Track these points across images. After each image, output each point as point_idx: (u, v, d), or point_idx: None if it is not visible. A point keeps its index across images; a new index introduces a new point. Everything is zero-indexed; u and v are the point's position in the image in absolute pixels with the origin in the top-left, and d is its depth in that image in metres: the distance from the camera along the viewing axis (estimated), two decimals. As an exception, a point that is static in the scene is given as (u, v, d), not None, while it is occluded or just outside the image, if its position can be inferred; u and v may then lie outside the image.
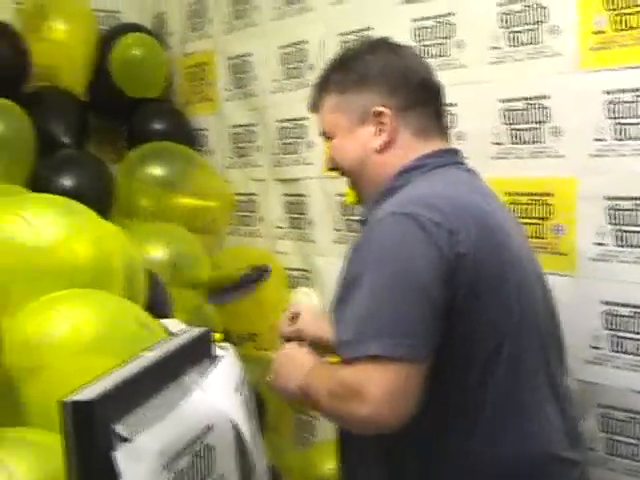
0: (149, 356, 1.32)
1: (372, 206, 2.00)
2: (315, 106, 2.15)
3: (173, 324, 1.91)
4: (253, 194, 3.84)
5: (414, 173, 1.99)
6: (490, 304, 1.84)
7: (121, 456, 1.09)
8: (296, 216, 3.58)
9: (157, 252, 3.28)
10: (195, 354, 1.49)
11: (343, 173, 2.13)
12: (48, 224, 1.89)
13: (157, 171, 3.78)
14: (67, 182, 3.53)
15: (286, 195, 3.64)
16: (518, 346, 1.87)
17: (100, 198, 3.49)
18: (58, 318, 1.69)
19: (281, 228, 3.68)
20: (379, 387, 1.71)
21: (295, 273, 3.61)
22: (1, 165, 3.43)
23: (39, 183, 3.45)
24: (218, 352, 1.61)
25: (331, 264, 3.33)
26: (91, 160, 3.82)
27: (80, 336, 1.67)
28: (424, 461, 1.88)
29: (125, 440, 1.12)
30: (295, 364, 2.04)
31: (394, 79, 2.03)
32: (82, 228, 1.96)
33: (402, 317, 1.75)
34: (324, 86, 2.12)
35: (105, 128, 4.26)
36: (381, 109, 2.00)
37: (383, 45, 2.14)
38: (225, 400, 1.43)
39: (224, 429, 1.38)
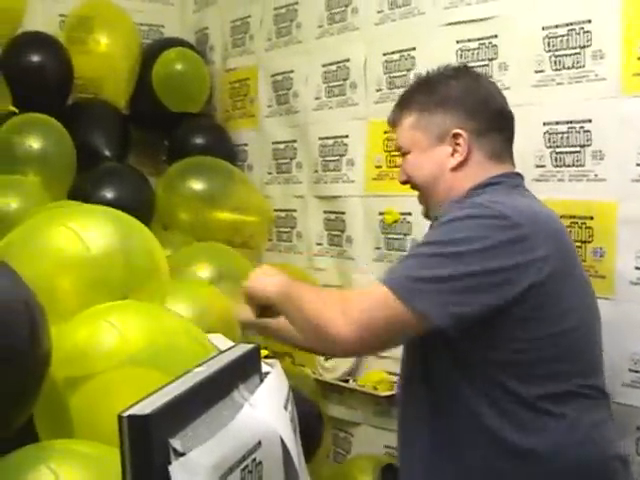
0: (201, 371, 1.34)
1: (441, 214, 2.11)
2: (395, 121, 2.27)
3: (220, 340, 1.94)
4: (292, 210, 3.87)
5: (487, 189, 2.11)
6: (554, 310, 1.95)
7: (176, 470, 1.12)
8: (335, 233, 3.59)
9: (202, 271, 3.27)
10: (244, 370, 1.50)
11: (414, 187, 2.25)
12: (97, 236, 1.92)
13: (197, 185, 3.82)
14: (108, 194, 3.57)
15: (326, 212, 3.65)
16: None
17: (141, 211, 3.51)
18: (107, 328, 1.72)
19: (320, 245, 3.69)
20: (365, 304, 1.95)
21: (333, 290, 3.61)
22: (43, 180, 3.46)
23: (80, 196, 3.48)
24: (265, 368, 1.63)
25: (370, 282, 3.35)
26: (132, 173, 3.85)
27: (129, 347, 1.70)
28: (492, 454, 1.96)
29: (180, 454, 1.14)
30: (274, 274, 2.17)
31: (473, 104, 2.16)
32: (131, 239, 1.99)
33: (442, 277, 1.89)
34: (406, 104, 2.24)
35: (146, 141, 4.31)
36: (458, 131, 2.13)
37: (465, 72, 2.29)
38: (273, 416, 1.45)
39: (273, 445, 1.40)
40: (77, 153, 3.77)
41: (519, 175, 2.21)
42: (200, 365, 1.39)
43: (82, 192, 3.56)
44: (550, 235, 1.98)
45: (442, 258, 1.91)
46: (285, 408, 1.54)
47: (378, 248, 3.35)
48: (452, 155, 2.14)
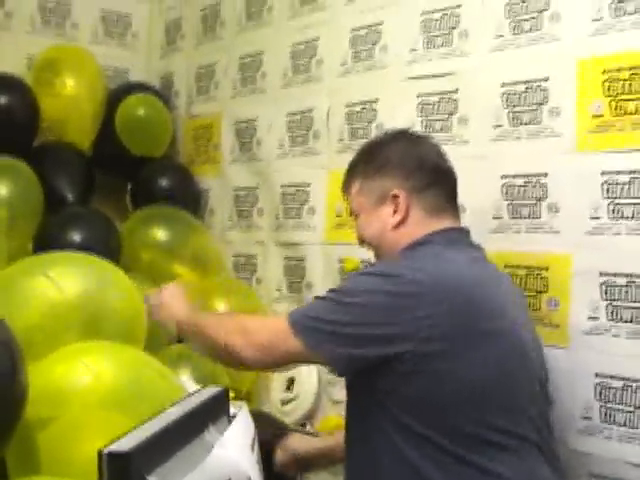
0: (174, 411, 1.39)
1: None
2: (345, 189, 2.50)
3: (188, 383, 1.99)
4: (253, 256, 3.91)
5: (418, 248, 2.26)
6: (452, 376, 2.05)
7: (153, 506, 1.16)
8: (295, 279, 3.64)
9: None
10: (214, 411, 1.56)
11: (367, 246, 2.44)
12: (73, 281, 1.96)
13: (158, 233, 3.87)
14: (75, 238, 3.58)
15: (286, 258, 3.70)
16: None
17: (108, 254, 3.54)
18: (82, 369, 1.75)
19: (279, 290, 3.73)
20: (268, 339, 2.18)
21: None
22: (11, 223, 3.48)
23: (47, 239, 3.52)
24: (232, 410, 1.68)
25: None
26: (98, 217, 3.87)
27: (101, 389, 1.74)
28: None
29: (157, 491, 1.18)
30: (180, 298, 2.55)
31: (409, 165, 2.36)
32: (106, 283, 2.03)
33: (332, 320, 2.10)
34: (352, 173, 2.47)
35: (109, 184, 4.33)
36: (396, 192, 2.31)
37: (403, 135, 2.49)
38: (242, 456, 1.50)
39: (241, 484, 1.45)
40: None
41: (460, 229, 2.37)
42: (172, 405, 1.44)
43: (48, 235, 3.59)
44: (454, 294, 2.07)
45: (337, 305, 2.12)
46: (252, 449, 1.59)
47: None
48: (393, 215, 2.32)
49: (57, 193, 3.84)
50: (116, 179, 4.37)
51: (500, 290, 2.27)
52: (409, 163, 2.36)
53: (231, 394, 1.76)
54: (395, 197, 2.31)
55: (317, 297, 2.24)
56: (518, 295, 2.44)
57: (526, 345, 2.21)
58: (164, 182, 4.20)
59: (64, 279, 1.97)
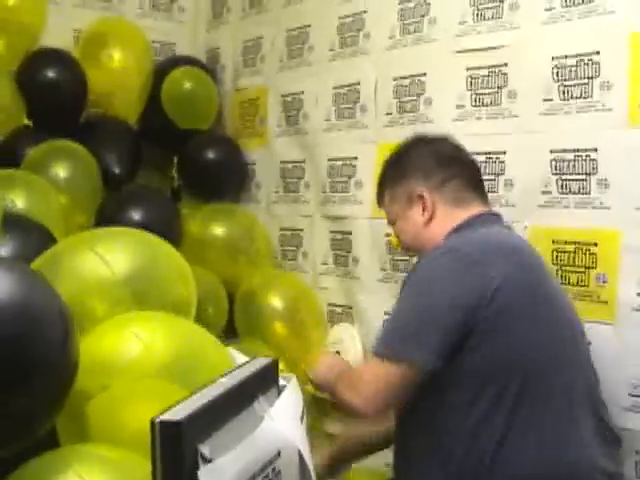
0: (225, 381, 1.40)
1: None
2: (379, 202, 2.68)
3: (236, 354, 1.99)
4: (299, 229, 3.91)
5: (457, 234, 2.40)
6: (518, 333, 2.19)
7: (205, 476, 1.17)
8: (341, 253, 3.64)
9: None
10: (264, 382, 1.56)
11: (411, 251, 2.65)
12: (121, 258, 1.97)
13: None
14: (136, 217, 3.61)
15: (332, 232, 3.69)
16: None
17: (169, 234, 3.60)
18: (132, 339, 1.76)
19: (326, 264, 3.74)
20: (372, 378, 2.28)
21: (338, 309, 3.66)
22: (72, 208, 3.49)
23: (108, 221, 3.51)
24: (282, 382, 1.69)
25: (375, 302, 3.41)
26: (157, 196, 3.93)
27: (153, 359, 1.75)
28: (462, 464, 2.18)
29: (208, 461, 1.19)
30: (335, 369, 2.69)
31: (427, 164, 2.51)
32: (156, 258, 2.04)
33: (414, 332, 2.22)
34: (381, 185, 2.65)
35: (156, 157, 4.35)
36: (420, 192, 2.47)
37: (418, 140, 2.62)
38: (291, 428, 1.51)
39: (291, 455, 1.45)
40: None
41: (490, 213, 2.51)
42: (224, 376, 1.45)
43: (109, 217, 3.61)
44: (512, 255, 2.28)
45: (405, 307, 2.31)
46: (301, 420, 1.60)
47: (384, 269, 3.39)
48: (422, 213, 2.46)
49: (105, 167, 3.85)
50: (163, 152, 4.39)
51: (541, 259, 2.41)
52: (427, 162, 2.51)
53: (281, 366, 1.77)
54: (420, 197, 2.47)
55: (390, 318, 2.38)
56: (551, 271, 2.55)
57: (570, 307, 2.41)
58: (211, 155, 4.21)
59: (112, 254, 1.97)
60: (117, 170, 3.90)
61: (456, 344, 2.16)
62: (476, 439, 2.14)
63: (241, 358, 1.91)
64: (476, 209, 2.46)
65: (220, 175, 4.17)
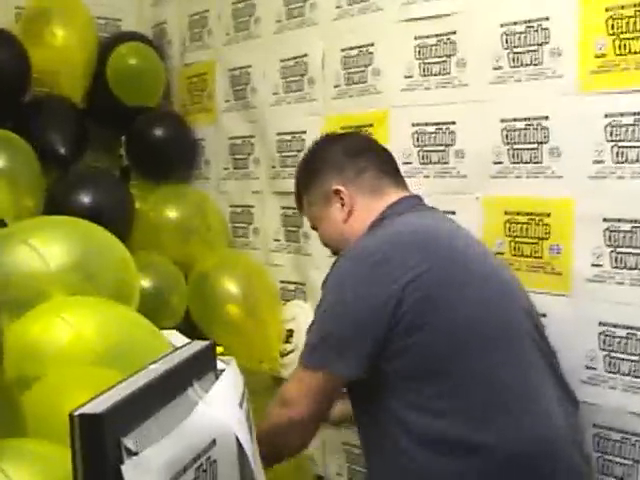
0: (155, 368, 1.32)
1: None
2: (300, 208, 2.64)
3: (174, 337, 1.92)
4: (249, 206, 3.84)
5: (376, 228, 2.33)
6: (446, 318, 2.12)
7: (129, 469, 1.09)
8: (292, 229, 3.58)
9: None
10: (199, 367, 1.49)
11: (334, 251, 2.52)
12: (55, 249, 1.87)
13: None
14: (85, 199, 3.58)
15: (283, 208, 3.63)
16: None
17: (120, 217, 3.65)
18: (60, 325, 1.68)
19: (277, 241, 3.67)
20: (297, 389, 2.22)
21: (290, 286, 3.60)
22: (15, 198, 3.38)
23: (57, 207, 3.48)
24: (220, 365, 1.62)
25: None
26: (107, 177, 3.86)
27: (83, 345, 1.67)
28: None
29: (133, 454, 1.12)
30: None
31: (337, 160, 2.46)
32: (91, 249, 1.95)
33: (334, 342, 2.16)
34: (297, 190, 2.60)
35: (103, 137, 4.24)
36: (335, 188, 2.41)
37: (326, 139, 2.61)
38: (229, 414, 1.43)
39: (228, 443, 1.38)
40: (35, 151, 3.73)
41: (411, 197, 2.45)
42: (154, 362, 1.37)
43: (57, 202, 3.57)
44: (434, 245, 2.23)
45: (325, 317, 2.23)
46: (240, 406, 1.52)
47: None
48: (340, 210, 2.41)
49: (50, 148, 3.77)
50: (110, 131, 4.28)
51: (469, 239, 2.38)
52: (337, 158, 2.45)
53: (219, 349, 1.70)
54: (336, 192, 2.41)
55: (312, 324, 2.30)
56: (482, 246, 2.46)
57: (511, 282, 2.34)
58: (158, 133, 4.13)
59: (46, 246, 1.87)
60: (62, 151, 3.79)
61: (380, 348, 2.10)
62: (443, 439, 2.07)
63: (177, 340, 1.84)
64: (394, 195, 2.40)
65: (169, 154, 4.11)
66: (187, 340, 1.89)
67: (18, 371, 1.64)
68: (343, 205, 2.40)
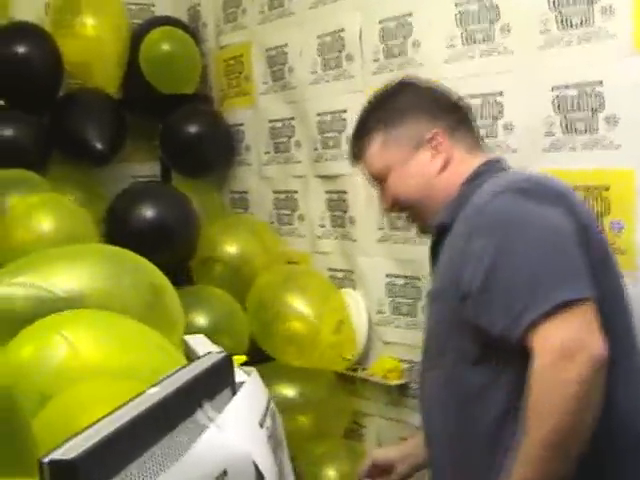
0: (155, 392, 1.17)
1: (447, 216, 2.04)
2: (359, 153, 2.24)
3: (201, 342, 1.75)
4: (293, 191, 3.69)
5: (483, 177, 2.03)
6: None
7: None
8: (338, 214, 3.42)
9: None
10: (213, 384, 1.33)
11: (403, 208, 2.20)
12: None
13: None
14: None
15: (327, 192, 3.47)
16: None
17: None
18: (59, 342, 1.51)
19: (323, 227, 3.52)
20: (588, 332, 1.72)
21: (339, 274, 3.45)
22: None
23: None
24: (241, 378, 1.45)
25: (374, 264, 3.22)
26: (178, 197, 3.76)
27: (81, 361, 1.50)
28: None
29: (118, 501, 0.96)
30: None
31: (430, 107, 2.16)
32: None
33: (566, 264, 1.79)
34: (364, 130, 2.22)
35: (140, 126, 4.11)
36: (433, 133, 2.11)
37: (408, 83, 2.27)
38: (246, 437, 1.27)
39: (243, 472, 1.21)
40: (71, 145, 3.73)
41: (499, 160, 2.17)
42: (156, 384, 1.21)
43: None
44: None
45: (549, 245, 1.82)
46: (261, 425, 1.36)
47: (381, 229, 3.18)
48: (432, 159, 2.11)
49: (88, 144, 3.66)
50: (148, 121, 4.14)
51: None
52: (429, 105, 2.17)
53: (241, 358, 1.54)
54: (431, 139, 2.11)
55: (484, 287, 1.82)
56: None
57: None
58: (193, 128, 3.99)
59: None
60: (101, 146, 3.67)
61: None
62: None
63: (202, 346, 1.68)
64: (484, 156, 2.15)
65: (205, 150, 3.99)
66: (211, 347, 1.73)
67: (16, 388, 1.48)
68: (435, 155, 2.11)
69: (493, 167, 2.09)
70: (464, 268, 1.86)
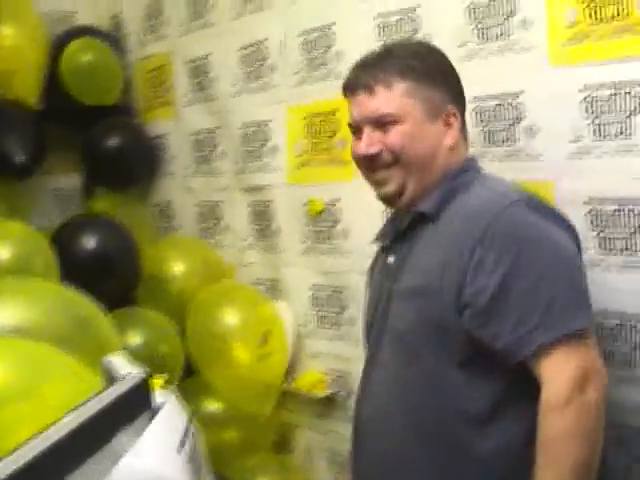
0: (70, 420, 1.14)
1: (432, 207, 1.98)
2: (371, 86, 2.01)
3: (120, 362, 1.71)
4: (217, 203, 3.66)
5: (469, 174, 2.03)
6: None
7: None
8: (263, 225, 3.40)
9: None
10: (131, 408, 1.31)
11: (390, 164, 2.01)
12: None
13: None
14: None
15: (252, 203, 3.46)
16: None
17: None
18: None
19: (248, 238, 3.50)
20: (597, 358, 1.79)
21: (264, 285, 3.43)
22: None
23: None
24: (160, 399, 1.43)
25: (299, 275, 3.22)
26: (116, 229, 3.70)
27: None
28: None
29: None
30: None
31: (458, 84, 2.09)
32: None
33: (578, 290, 1.83)
34: (391, 68, 2.00)
35: (62, 138, 4.04)
36: (453, 110, 2.03)
37: (443, 53, 2.12)
38: (164, 462, 1.25)
39: (161, 498, 1.20)
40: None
41: (476, 159, 2.16)
42: (72, 411, 1.19)
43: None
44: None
45: (561, 269, 1.84)
46: (181, 448, 1.34)
47: (305, 240, 3.18)
48: (445, 134, 2.02)
49: (7, 156, 3.58)
50: (70, 133, 4.07)
51: None
52: (457, 84, 2.09)
53: (159, 380, 1.51)
54: (448, 116, 2.02)
55: (498, 299, 1.81)
56: None
57: None
58: (114, 141, 3.95)
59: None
60: (21, 158, 3.60)
61: None
62: None
63: (122, 367, 1.64)
64: (467, 152, 2.12)
65: (127, 163, 3.95)
66: (132, 368, 1.70)
67: None
68: (447, 132, 2.02)
69: (475, 166, 2.09)
70: (470, 277, 1.84)
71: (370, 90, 2.01)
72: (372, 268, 2.29)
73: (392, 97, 1.99)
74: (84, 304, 2.07)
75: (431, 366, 1.91)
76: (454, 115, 2.02)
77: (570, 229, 1.95)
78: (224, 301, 3.33)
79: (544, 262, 1.81)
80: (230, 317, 3.24)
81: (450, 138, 2.02)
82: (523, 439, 1.80)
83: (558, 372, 1.75)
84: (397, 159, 2.00)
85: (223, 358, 3.19)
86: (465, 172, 2.03)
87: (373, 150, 2.02)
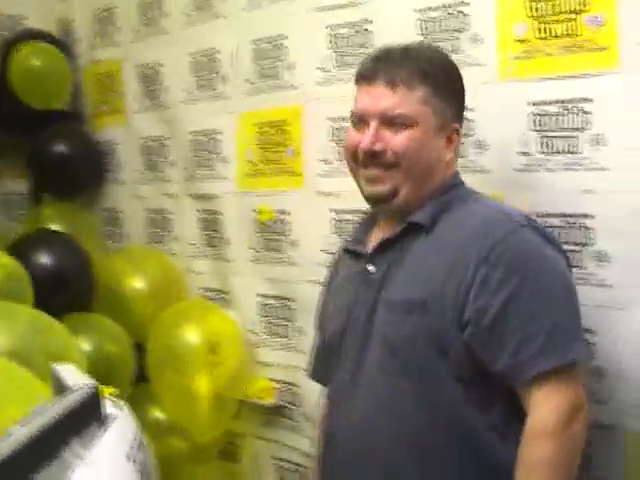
0: (18, 433, 1.14)
1: (426, 218, 1.98)
2: (396, 82, 1.98)
3: (70, 374, 1.70)
4: (166, 210, 3.66)
5: (461, 189, 2.08)
6: None
7: None
8: (211, 234, 3.40)
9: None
10: (80, 420, 1.30)
11: (391, 165, 1.97)
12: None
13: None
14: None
15: (201, 212, 3.45)
16: None
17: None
18: None
19: (196, 246, 3.49)
20: (581, 389, 1.84)
21: (211, 294, 3.43)
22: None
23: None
24: (110, 411, 1.43)
25: (247, 284, 3.22)
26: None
27: None
28: None
29: None
30: None
31: (463, 103, 2.10)
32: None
33: (576, 321, 1.87)
34: (417, 71, 1.99)
35: (11, 142, 4.00)
36: (457, 128, 2.04)
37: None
38: (114, 472, 1.25)
39: (111, 509, 1.20)
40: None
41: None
42: (20, 423, 1.18)
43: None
44: None
45: (562, 299, 1.88)
46: (129, 458, 1.34)
47: (254, 249, 3.18)
48: (446, 149, 2.02)
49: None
50: (19, 137, 4.04)
51: None
52: (463, 101, 2.11)
53: (109, 390, 1.51)
54: (452, 132, 2.03)
55: (501, 322, 1.83)
56: None
57: None
58: (61, 147, 3.94)
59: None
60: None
61: None
62: None
63: (71, 377, 1.63)
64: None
65: (74, 169, 3.94)
66: (81, 377, 1.69)
67: None
68: (448, 147, 2.02)
69: (461, 181, 2.10)
70: (473, 294, 1.84)
71: (393, 85, 1.98)
72: (333, 273, 2.27)
73: (411, 99, 1.97)
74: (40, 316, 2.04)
75: (427, 378, 1.90)
76: (457, 132, 2.04)
77: (562, 252, 1.97)
78: (180, 319, 3.31)
79: (548, 289, 1.85)
80: (185, 332, 3.23)
81: (449, 154, 2.03)
82: (513, 464, 1.80)
83: (549, 400, 1.79)
84: (398, 163, 1.97)
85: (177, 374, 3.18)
86: (456, 186, 2.06)
87: (378, 147, 1.98)
